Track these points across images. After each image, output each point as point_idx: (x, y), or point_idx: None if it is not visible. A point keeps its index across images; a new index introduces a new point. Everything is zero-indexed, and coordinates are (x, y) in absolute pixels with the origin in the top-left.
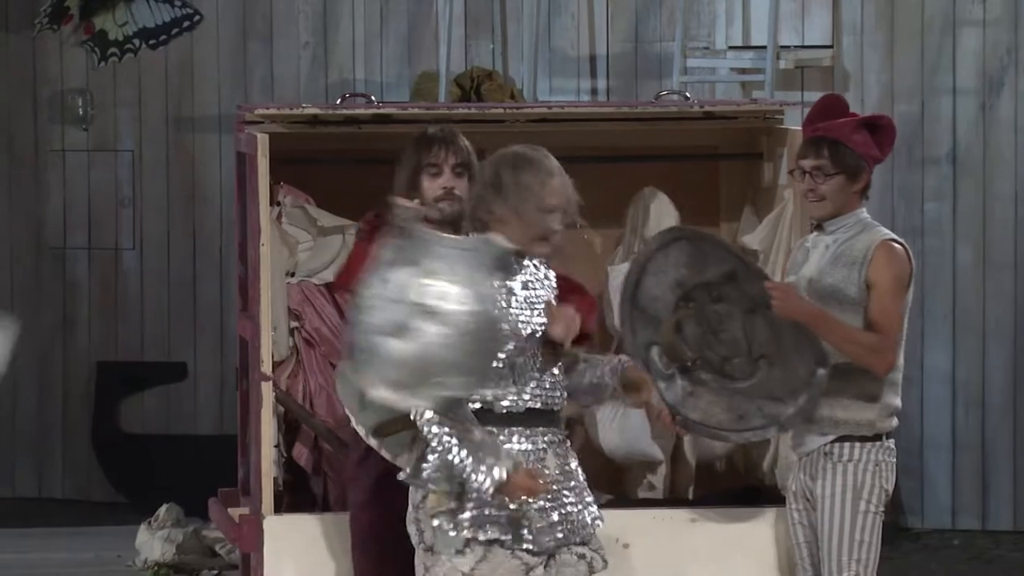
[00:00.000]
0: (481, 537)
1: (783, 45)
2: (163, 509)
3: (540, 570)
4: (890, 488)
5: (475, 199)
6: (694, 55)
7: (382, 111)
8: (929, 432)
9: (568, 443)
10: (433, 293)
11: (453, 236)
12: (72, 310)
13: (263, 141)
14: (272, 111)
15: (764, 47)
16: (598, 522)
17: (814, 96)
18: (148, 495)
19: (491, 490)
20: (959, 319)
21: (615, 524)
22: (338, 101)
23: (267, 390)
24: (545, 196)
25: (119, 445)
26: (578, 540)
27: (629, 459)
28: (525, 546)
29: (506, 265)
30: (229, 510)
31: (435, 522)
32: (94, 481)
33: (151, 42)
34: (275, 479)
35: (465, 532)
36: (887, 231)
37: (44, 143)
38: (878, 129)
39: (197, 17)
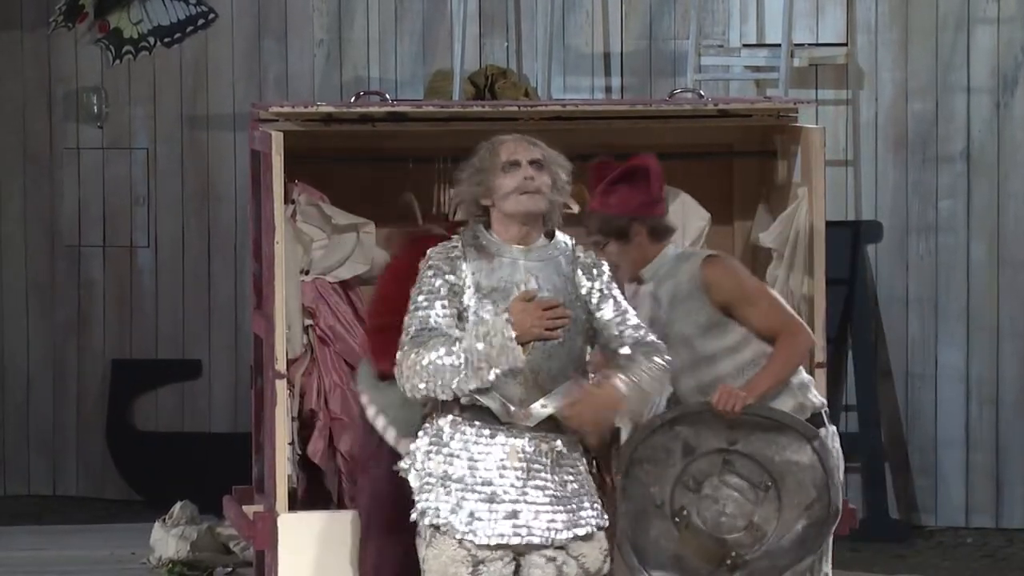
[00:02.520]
0: (425, 522)
1: (797, 43)
2: (177, 506)
3: (496, 565)
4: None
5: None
6: (708, 53)
7: (396, 109)
8: (943, 430)
9: (556, 444)
10: None
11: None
12: (87, 308)
13: (277, 139)
14: (286, 109)
15: (778, 45)
16: (578, 531)
17: (828, 94)
18: (162, 492)
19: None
20: (973, 317)
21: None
22: (352, 99)
23: (281, 388)
24: (506, 156)
25: (133, 443)
26: (548, 543)
27: None
28: (460, 536)
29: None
30: (243, 507)
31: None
32: (108, 479)
33: (166, 40)
34: (289, 477)
35: (415, 517)
36: (694, 250)
37: (59, 141)
38: (635, 175)
39: (212, 15)
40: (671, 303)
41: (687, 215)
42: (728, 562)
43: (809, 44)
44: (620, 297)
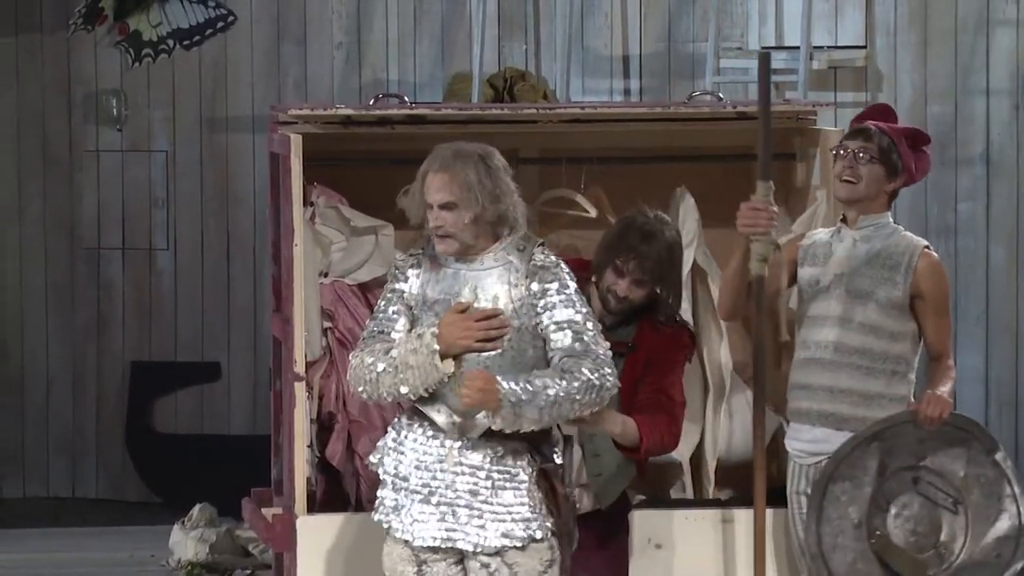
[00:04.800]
0: (375, 518)
1: (816, 45)
2: (196, 509)
3: (439, 566)
4: None
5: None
6: (727, 55)
7: (415, 112)
8: None
9: (500, 454)
10: None
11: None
12: (106, 310)
13: (296, 142)
14: (305, 112)
15: (797, 47)
16: (509, 541)
17: (847, 97)
18: (181, 495)
19: (435, 349)
20: (992, 319)
21: (647, 524)
22: (371, 102)
23: (300, 390)
24: (424, 192)
25: (153, 445)
26: (479, 549)
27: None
28: (401, 535)
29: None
30: (262, 510)
31: None
32: (128, 481)
33: (185, 43)
34: (308, 479)
35: (373, 513)
36: (920, 237)
37: (78, 144)
38: (917, 149)
39: (231, 18)
40: (870, 259)
41: (686, 215)
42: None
43: (828, 47)
44: (570, 302)
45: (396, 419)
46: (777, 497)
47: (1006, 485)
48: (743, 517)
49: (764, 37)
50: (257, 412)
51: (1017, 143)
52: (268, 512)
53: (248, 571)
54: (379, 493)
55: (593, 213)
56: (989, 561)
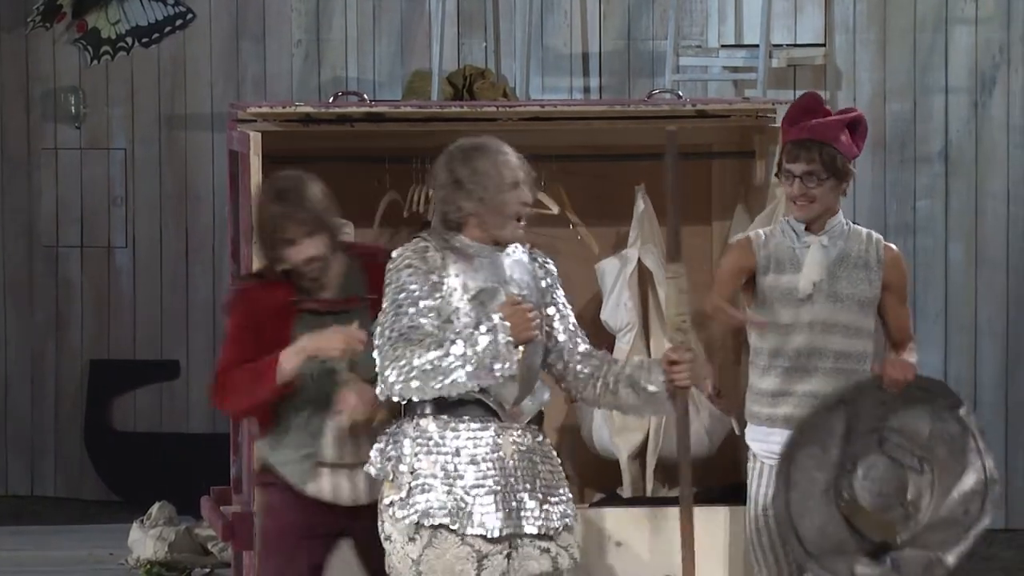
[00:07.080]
0: (427, 523)
1: (775, 43)
2: (155, 507)
3: (498, 559)
4: None
5: (440, 202)
6: (687, 53)
7: (374, 110)
8: None
9: (539, 438)
10: None
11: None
12: (64, 308)
13: (255, 139)
14: (264, 109)
15: (756, 45)
16: (567, 520)
17: None
18: (140, 493)
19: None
20: (951, 317)
21: (607, 522)
22: (330, 100)
23: None
24: (505, 174)
25: (111, 443)
26: (540, 534)
27: (600, 455)
28: (471, 531)
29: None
30: (221, 508)
31: (389, 511)
32: (86, 479)
33: (144, 40)
34: None
35: (413, 519)
36: (868, 229)
37: (36, 141)
38: (856, 127)
39: (190, 15)
40: (840, 260)
41: (636, 215)
42: (897, 540)
43: (787, 44)
44: (563, 296)
45: (402, 426)
46: (733, 495)
47: (970, 440)
48: (704, 514)
49: (723, 35)
50: (216, 410)
51: (976, 141)
52: (227, 510)
53: (207, 569)
54: (419, 498)
55: (555, 210)
56: (957, 518)
